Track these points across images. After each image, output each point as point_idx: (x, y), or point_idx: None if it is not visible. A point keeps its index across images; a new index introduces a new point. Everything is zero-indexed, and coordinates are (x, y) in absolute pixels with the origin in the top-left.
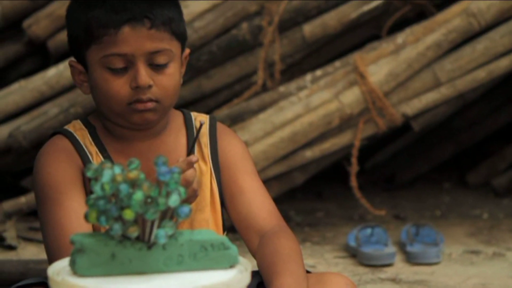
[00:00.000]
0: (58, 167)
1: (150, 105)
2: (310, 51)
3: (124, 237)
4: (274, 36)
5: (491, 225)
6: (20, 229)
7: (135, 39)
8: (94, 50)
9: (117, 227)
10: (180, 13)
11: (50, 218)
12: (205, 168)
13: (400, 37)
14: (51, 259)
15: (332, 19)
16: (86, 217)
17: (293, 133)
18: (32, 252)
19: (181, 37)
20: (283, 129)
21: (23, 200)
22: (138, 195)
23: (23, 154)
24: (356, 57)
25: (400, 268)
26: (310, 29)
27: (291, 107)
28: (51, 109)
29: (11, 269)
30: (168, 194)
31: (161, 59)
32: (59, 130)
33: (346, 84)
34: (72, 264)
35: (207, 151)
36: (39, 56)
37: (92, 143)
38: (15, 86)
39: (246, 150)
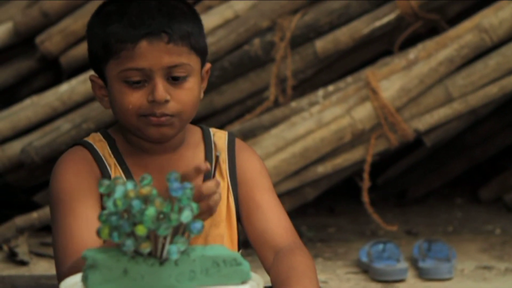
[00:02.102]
0: (76, 174)
1: (164, 119)
2: (322, 66)
3: (137, 253)
4: (286, 52)
5: (503, 240)
6: (32, 244)
7: (153, 53)
8: (112, 65)
9: (129, 243)
10: (200, 27)
11: (62, 224)
12: (222, 184)
13: (412, 53)
14: (58, 264)
15: (344, 35)
16: (99, 233)
17: (305, 149)
18: (44, 267)
19: (201, 52)
20: (295, 145)
21: (35, 216)
22: (151, 211)
23: (35, 170)
24: (368, 72)
25: (412, 284)
26: (322, 44)
27: (303, 123)
28: (64, 125)
29: (23, 284)
30: (180, 210)
31: (179, 74)
32: (78, 142)
33: (358, 99)
34: (85, 279)
35: (225, 166)
36: (52, 72)
37: (111, 155)
38: (27, 102)
39: (264, 166)
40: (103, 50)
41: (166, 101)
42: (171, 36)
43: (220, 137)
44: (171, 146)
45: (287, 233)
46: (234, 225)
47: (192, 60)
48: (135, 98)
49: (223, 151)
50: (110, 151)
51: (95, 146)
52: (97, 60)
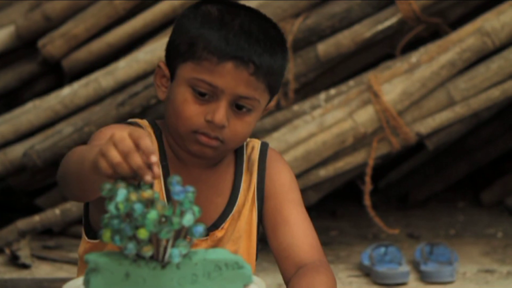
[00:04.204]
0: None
1: (214, 142)
2: (324, 70)
3: (138, 256)
4: (289, 56)
5: (505, 244)
6: (34, 247)
7: (233, 78)
8: (188, 67)
9: (131, 247)
10: (284, 67)
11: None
12: (247, 196)
13: (414, 56)
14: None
15: (346, 38)
16: (100, 236)
17: (307, 152)
18: (45, 271)
19: (274, 91)
20: (297, 148)
21: (37, 219)
22: (153, 215)
23: (37, 173)
24: (370, 76)
25: (414, 287)
26: (324, 48)
27: (305, 126)
28: (65, 128)
29: None
30: (182, 213)
31: (245, 106)
32: (129, 121)
33: (360, 103)
34: (86, 283)
35: (254, 179)
36: (54, 76)
37: (157, 146)
38: (29, 105)
39: (294, 179)
40: (188, 48)
41: (223, 127)
42: (257, 69)
43: (253, 147)
44: (209, 163)
45: (313, 250)
46: (254, 239)
47: (263, 98)
48: (194, 112)
49: (255, 162)
50: (157, 143)
51: (146, 131)
52: (176, 53)
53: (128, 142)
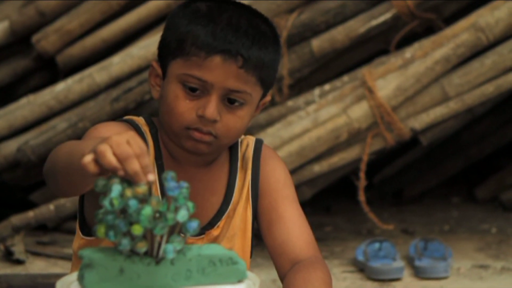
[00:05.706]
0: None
1: (207, 137)
2: (318, 65)
3: (133, 252)
4: (283, 51)
5: (499, 239)
6: (28, 243)
7: (222, 72)
8: (178, 64)
9: (125, 242)
10: (277, 60)
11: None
12: (242, 194)
13: (408, 52)
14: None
15: (340, 34)
16: (95, 232)
17: (301, 148)
18: (40, 266)
19: (267, 85)
20: (291, 144)
21: (31, 215)
22: (147, 211)
23: (31, 169)
24: (364, 71)
25: (409, 283)
26: (318, 43)
27: (299, 122)
28: (60, 124)
29: (19, 283)
30: (176, 209)
31: (237, 100)
32: (125, 119)
33: (354, 98)
34: (81, 278)
35: (249, 176)
36: (48, 71)
37: (153, 145)
38: (23, 101)
39: (289, 175)
40: (177, 44)
41: (215, 121)
42: (245, 62)
43: (247, 144)
44: (204, 161)
45: (308, 247)
46: (249, 236)
47: (255, 91)
48: (186, 107)
49: (250, 159)
50: (151, 140)
51: (142, 129)
52: (166, 50)
53: (126, 147)
